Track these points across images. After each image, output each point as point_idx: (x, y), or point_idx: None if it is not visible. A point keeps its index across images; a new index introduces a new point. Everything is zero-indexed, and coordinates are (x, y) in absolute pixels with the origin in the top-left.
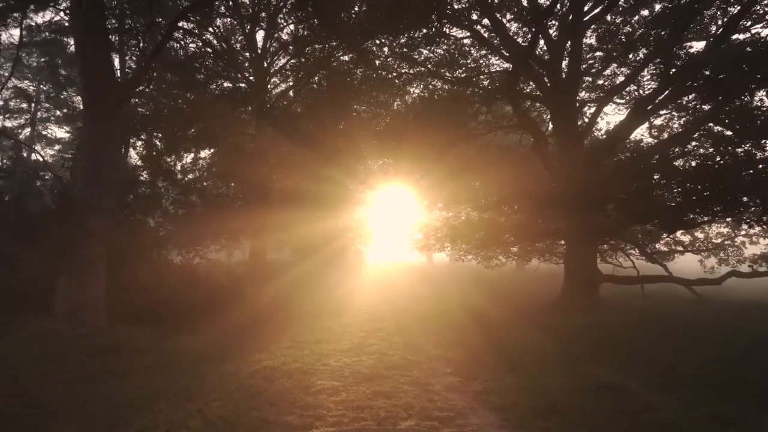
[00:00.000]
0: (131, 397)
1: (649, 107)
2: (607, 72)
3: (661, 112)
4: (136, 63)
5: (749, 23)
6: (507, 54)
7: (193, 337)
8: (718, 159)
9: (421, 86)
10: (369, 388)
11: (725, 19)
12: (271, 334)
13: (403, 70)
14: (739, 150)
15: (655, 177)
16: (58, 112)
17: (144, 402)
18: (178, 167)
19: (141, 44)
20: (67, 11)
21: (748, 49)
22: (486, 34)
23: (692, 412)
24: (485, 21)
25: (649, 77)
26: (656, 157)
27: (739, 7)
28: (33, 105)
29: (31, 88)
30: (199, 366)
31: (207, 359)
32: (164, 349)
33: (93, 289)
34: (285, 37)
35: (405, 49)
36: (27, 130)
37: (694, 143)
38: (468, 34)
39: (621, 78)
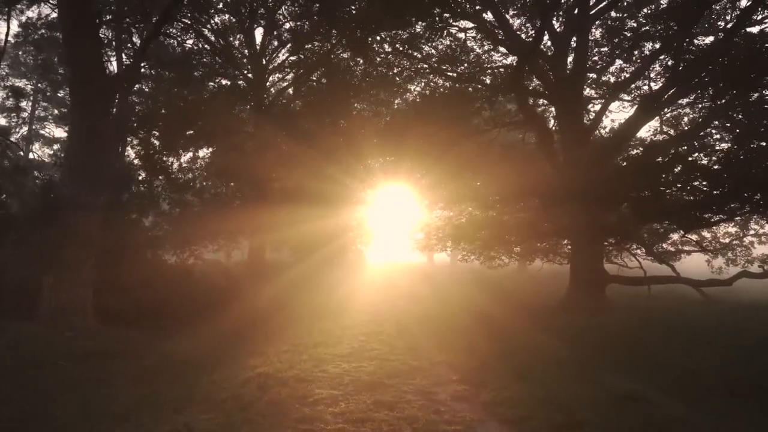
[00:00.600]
0: (115, 408)
1: (657, 104)
2: (614, 68)
3: (671, 108)
4: (131, 57)
5: (760, 17)
6: (512, 47)
7: (186, 340)
8: (739, 154)
9: (423, 84)
10: (370, 398)
11: (735, 13)
12: (268, 337)
13: (404, 67)
14: (753, 145)
15: (669, 174)
16: (55, 111)
17: (128, 413)
18: (176, 166)
19: (133, 37)
20: (55, 4)
21: (766, 44)
22: (489, 29)
23: (729, 427)
24: (489, 17)
25: (657, 73)
26: (671, 152)
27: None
28: (30, 103)
29: (29, 86)
30: (191, 372)
31: (199, 364)
32: (155, 353)
33: (80, 290)
34: (284, 33)
35: (406, 46)
36: (24, 129)
37: (713, 138)
38: (472, 25)
39: (628, 74)
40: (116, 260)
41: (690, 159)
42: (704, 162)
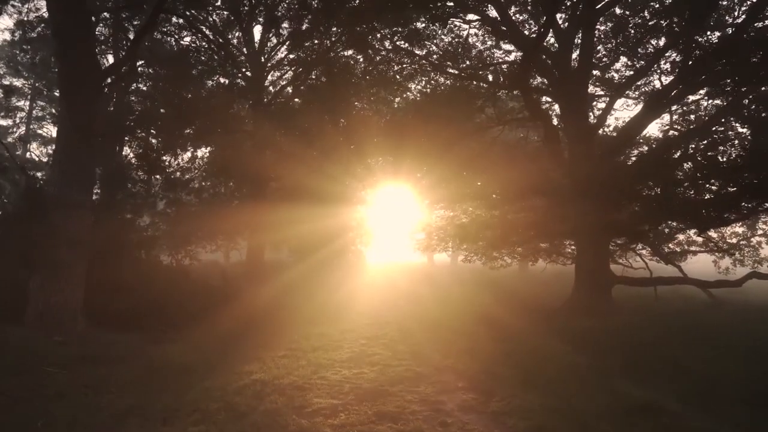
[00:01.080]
0: (101, 418)
1: (666, 100)
2: (619, 65)
3: (680, 104)
4: (126, 48)
5: None
6: (517, 41)
7: (180, 345)
8: (760, 148)
9: (423, 81)
10: (372, 408)
11: (744, 8)
12: (265, 341)
13: (404, 65)
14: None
15: (679, 170)
16: (53, 110)
17: (114, 424)
18: (173, 165)
19: (129, 34)
20: None
21: None
22: (492, 21)
23: None
24: (493, 13)
25: (665, 69)
26: (689, 146)
27: None
28: (27, 103)
29: (26, 86)
30: (183, 379)
31: (192, 371)
32: (147, 358)
33: (69, 292)
34: (283, 30)
35: (406, 43)
36: (22, 129)
37: (727, 133)
38: (476, 17)
39: (634, 71)
40: (110, 261)
41: (700, 156)
42: (722, 159)
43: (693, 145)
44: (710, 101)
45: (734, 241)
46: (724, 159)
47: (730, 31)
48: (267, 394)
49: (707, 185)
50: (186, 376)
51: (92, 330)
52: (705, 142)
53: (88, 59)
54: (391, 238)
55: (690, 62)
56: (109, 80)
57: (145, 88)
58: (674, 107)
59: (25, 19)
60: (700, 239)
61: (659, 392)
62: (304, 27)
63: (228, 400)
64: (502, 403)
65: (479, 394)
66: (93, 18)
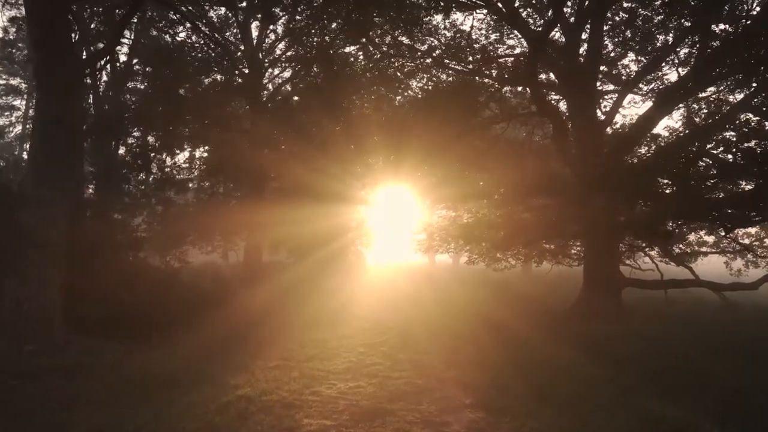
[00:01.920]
0: None
1: (683, 91)
2: (628, 59)
3: (693, 99)
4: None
5: None
6: (524, 34)
7: (165, 353)
8: None
9: (425, 78)
10: (368, 431)
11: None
12: (256, 349)
13: (405, 61)
14: None
15: (704, 165)
16: None
17: None
18: (169, 164)
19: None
20: None
21: None
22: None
23: None
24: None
25: (677, 62)
26: (711, 140)
27: None
28: (24, 102)
29: (23, 84)
30: (163, 393)
31: (175, 383)
32: (127, 369)
33: (44, 298)
34: (280, 28)
35: (407, 38)
36: (18, 128)
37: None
38: (481, 3)
39: (643, 65)
40: (96, 263)
41: (728, 150)
42: (759, 151)
43: (715, 139)
44: (724, 95)
45: (747, 242)
46: (759, 151)
47: (746, 22)
48: (252, 413)
49: (731, 184)
50: (167, 389)
51: (71, 337)
52: (729, 135)
53: (66, 47)
54: (392, 239)
55: (707, 51)
56: (97, 69)
57: (142, 87)
58: (690, 101)
59: (20, 15)
60: (710, 239)
61: (688, 409)
62: (302, 21)
63: (209, 419)
64: (514, 423)
65: (488, 413)
66: (84, 9)
